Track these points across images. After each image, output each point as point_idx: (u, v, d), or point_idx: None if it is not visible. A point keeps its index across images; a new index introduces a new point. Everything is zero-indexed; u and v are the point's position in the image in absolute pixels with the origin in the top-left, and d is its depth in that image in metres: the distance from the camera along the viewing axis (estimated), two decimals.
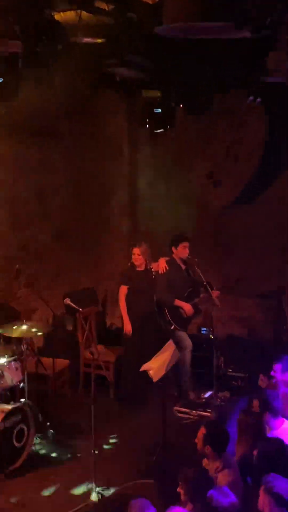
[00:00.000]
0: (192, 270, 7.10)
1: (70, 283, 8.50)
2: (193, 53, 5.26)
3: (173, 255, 6.99)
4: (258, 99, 6.29)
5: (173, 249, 6.95)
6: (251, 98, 6.01)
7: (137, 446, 6.06)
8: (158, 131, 7.62)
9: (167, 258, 7.02)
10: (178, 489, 3.86)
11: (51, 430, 6.15)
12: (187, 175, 8.30)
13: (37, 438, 5.95)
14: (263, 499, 3.51)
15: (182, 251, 6.91)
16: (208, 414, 6.58)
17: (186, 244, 6.91)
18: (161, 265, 6.96)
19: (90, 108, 8.27)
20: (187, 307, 6.86)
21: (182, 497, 3.82)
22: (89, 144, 8.53)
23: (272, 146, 7.68)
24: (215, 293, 6.79)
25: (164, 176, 8.57)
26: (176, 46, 4.97)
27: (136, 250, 6.85)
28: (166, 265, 6.96)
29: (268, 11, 3.33)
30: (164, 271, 6.92)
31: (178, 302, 6.86)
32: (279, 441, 4.20)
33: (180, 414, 6.74)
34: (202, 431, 4.32)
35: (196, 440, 4.35)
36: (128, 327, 6.84)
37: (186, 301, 6.91)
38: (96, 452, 5.26)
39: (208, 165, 8.19)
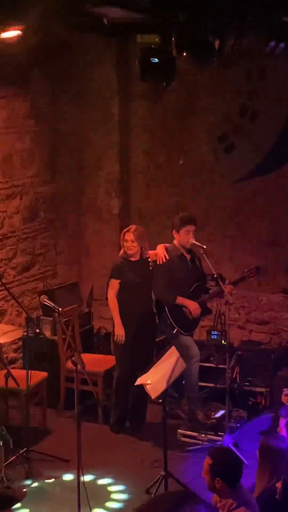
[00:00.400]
0: (199, 260, 7.12)
1: (47, 278, 8.54)
2: None
3: (175, 242, 7.02)
4: (282, 44, 6.30)
5: (175, 233, 6.98)
6: (272, 43, 6.03)
7: (133, 479, 6.10)
8: (156, 85, 7.61)
9: (167, 245, 7.03)
10: None
11: (25, 462, 6.20)
12: (192, 140, 8.29)
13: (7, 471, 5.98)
14: None
15: (184, 237, 6.90)
16: (220, 438, 6.60)
17: (190, 228, 6.89)
18: (159, 253, 6.96)
19: (69, 56, 8.26)
20: (193, 306, 6.89)
21: None
22: (68, 101, 8.54)
23: None
24: (228, 288, 6.77)
25: (164, 142, 8.55)
26: None
27: (129, 236, 6.85)
28: (166, 253, 6.96)
29: None
30: (164, 261, 6.94)
31: (181, 300, 6.89)
32: None
33: (185, 439, 6.78)
34: (208, 460, 4.28)
35: (203, 474, 4.34)
36: (120, 332, 6.84)
37: (192, 299, 6.94)
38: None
39: (219, 127, 8.15)
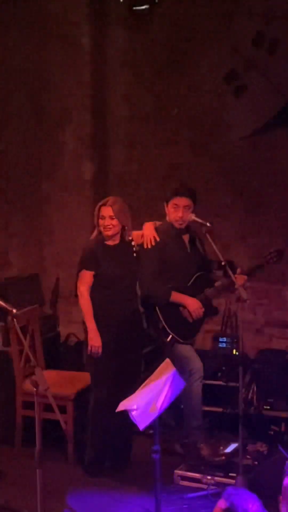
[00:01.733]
0: (202, 242, 7.18)
1: None
2: None
3: (167, 218, 7.05)
4: None
5: (165, 206, 7.03)
6: None
7: None
8: (139, 7, 7.64)
9: (157, 223, 7.09)
10: None
11: None
12: (190, 81, 8.31)
13: None
14: None
15: (172, 213, 6.98)
16: (232, 481, 6.60)
17: (179, 201, 6.93)
18: (147, 234, 7.01)
19: None
20: (193, 305, 6.93)
21: None
22: (22, 29, 8.61)
23: None
24: (240, 279, 6.81)
25: (151, 84, 8.60)
26: None
27: (105, 211, 6.80)
28: (156, 234, 7.01)
29: None
30: (153, 244, 6.97)
31: (177, 297, 6.93)
32: None
33: (185, 483, 6.78)
34: (222, 505, 4.37)
35: None
36: (95, 341, 6.82)
37: (192, 294, 6.99)
38: None
39: (226, 61, 8.18)
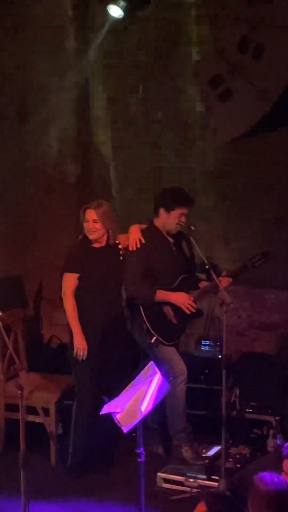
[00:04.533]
0: (187, 245, 7.20)
1: None
2: None
3: (156, 222, 7.05)
4: None
5: (163, 213, 6.99)
6: None
7: None
8: (125, 10, 7.68)
9: (143, 226, 7.09)
10: None
11: None
12: (175, 84, 8.33)
13: None
14: None
15: (174, 220, 6.97)
16: (215, 483, 6.61)
17: (185, 210, 6.96)
18: (132, 237, 7.01)
19: None
20: (179, 298, 6.94)
21: None
22: (5, 31, 8.60)
23: None
24: (224, 282, 6.84)
25: (136, 86, 8.60)
26: None
27: (90, 214, 6.85)
28: (141, 237, 7.00)
29: None
30: (139, 246, 6.97)
31: (163, 295, 6.94)
32: None
33: (168, 485, 6.81)
34: (201, 508, 4.47)
35: None
36: (80, 343, 6.85)
37: None
38: None
39: (211, 66, 8.05)
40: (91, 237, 6.85)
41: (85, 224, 6.85)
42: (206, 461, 6.94)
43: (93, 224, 6.81)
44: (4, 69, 8.53)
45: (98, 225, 6.81)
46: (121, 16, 7.74)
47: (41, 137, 8.67)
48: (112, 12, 7.55)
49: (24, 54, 8.52)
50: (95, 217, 6.80)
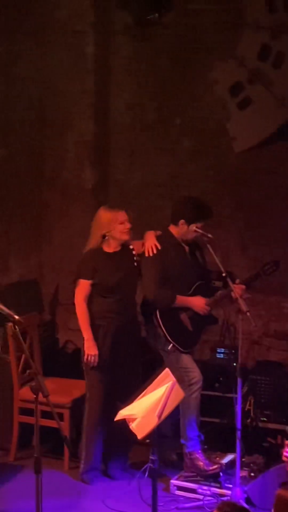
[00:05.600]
0: (202, 253, 7.18)
1: None
2: None
3: (173, 230, 7.04)
4: None
5: (183, 223, 6.96)
6: None
7: None
8: (147, 17, 7.60)
9: (157, 233, 7.06)
10: None
11: None
12: (194, 91, 8.32)
13: None
14: None
15: (194, 233, 6.96)
16: (228, 491, 6.62)
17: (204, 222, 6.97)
18: (148, 243, 7.00)
19: None
20: (198, 303, 6.95)
21: None
22: (26, 36, 8.58)
23: None
24: (239, 289, 6.81)
25: (155, 93, 8.59)
26: None
27: (124, 215, 6.85)
28: (156, 242, 6.98)
29: None
30: (155, 252, 6.95)
31: (182, 300, 6.93)
32: None
33: (181, 493, 6.80)
34: None
35: None
36: (91, 350, 6.85)
37: None
38: None
39: (231, 73, 8.13)
40: (126, 237, 6.87)
41: (120, 226, 6.82)
42: (219, 469, 6.89)
43: (128, 225, 6.83)
44: (24, 73, 8.55)
45: (130, 226, 6.86)
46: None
47: (59, 143, 8.69)
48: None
49: (44, 59, 8.53)
50: (127, 218, 6.84)
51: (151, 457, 5.80)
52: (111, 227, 6.82)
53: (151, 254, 6.93)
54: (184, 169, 8.46)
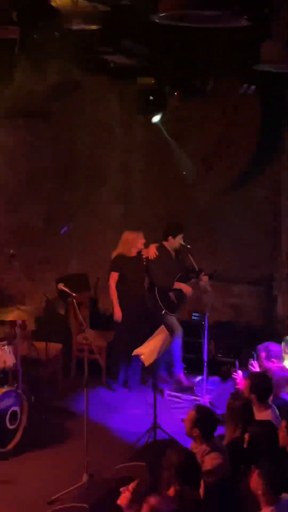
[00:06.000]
0: (182, 256, 7.12)
1: (61, 269, 8.48)
2: (188, 39, 5.28)
3: (165, 243, 7.01)
4: (252, 86, 6.30)
5: (170, 238, 6.97)
6: (245, 87, 6.04)
7: (129, 430, 6.11)
8: (152, 116, 7.54)
9: (156, 245, 7.02)
10: (163, 473, 3.84)
11: (43, 414, 6.21)
12: (180, 160, 8.23)
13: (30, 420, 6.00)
14: (257, 482, 3.56)
15: (177, 241, 6.96)
16: (199, 398, 6.62)
17: (182, 236, 6.97)
18: (151, 251, 6.98)
19: (82, 92, 8.24)
20: (186, 288, 6.92)
21: (168, 477, 3.78)
22: (81, 128, 8.48)
23: (266, 132, 7.64)
24: (204, 278, 6.83)
25: (158, 162, 8.48)
26: (171, 33, 5.00)
27: (140, 236, 6.87)
28: (156, 251, 6.97)
29: (265, 2, 3.37)
30: (155, 256, 6.94)
31: (177, 285, 6.92)
32: (271, 424, 4.28)
33: (172, 398, 6.81)
34: (191, 414, 4.34)
35: (184, 422, 4.38)
36: (118, 314, 6.84)
37: None
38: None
39: (201, 150, 8.10)
40: (141, 247, 6.87)
41: (138, 241, 6.85)
42: (195, 384, 6.94)
43: (143, 241, 6.88)
44: (80, 149, 8.44)
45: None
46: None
47: (100, 190, 8.55)
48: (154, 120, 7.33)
49: (92, 141, 8.44)
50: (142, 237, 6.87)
51: (153, 377, 5.90)
52: (133, 243, 6.84)
53: (152, 258, 6.93)
54: (174, 206, 8.27)
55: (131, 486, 3.60)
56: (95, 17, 4.59)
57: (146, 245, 7.00)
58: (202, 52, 5.53)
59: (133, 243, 6.84)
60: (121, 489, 3.64)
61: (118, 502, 3.62)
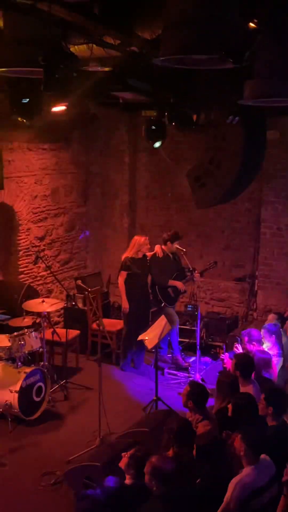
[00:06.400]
0: (178, 258, 7.09)
1: (79, 268, 8.51)
2: (184, 78, 5.28)
3: (164, 247, 6.96)
4: (237, 118, 6.29)
5: (169, 244, 6.92)
6: (231, 118, 6.03)
7: (135, 401, 6.12)
8: (154, 143, 7.56)
9: (160, 246, 6.98)
10: (163, 437, 3.86)
11: (64, 390, 6.20)
12: (177, 179, 8.22)
13: (53, 395, 6.01)
14: (239, 445, 3.56)
15: (175, 246, 6.91)
16: (192, 375, 6.61)
17: (178, 242, 6.93)
18: (157, 249, 6.93)
19: (97, 123, 8.27)
20: (180, 285, 6.87)
21: (167, 440, 3.81)
22: (96, 152, 8.51)
23: (247, 156, 7.62)
24: (197, 276, 6.81)
25: (159, 180, 8.49)
26: (170, 73, 5.00)
27: (146, 240, 6.80)
28: (160, 251, 6.93)
29: (246, 47, 3.37)
30: (161, 256, 6.89)
31: (171, 282, 6.85)
32: (252, 397, 4.27)
33: (170, 375, 6.79)
34: (187, 388, 4.34)
35: (181, 395, 4.38)
36: (125, 306, 6.79)
37: None
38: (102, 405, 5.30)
39: (195, 171, 7.76)
40: (146, 251, 6.78)
41: (144, 246, 6.75)
42: (189, 364, 6.91)
43: (148, 246, 6.79)
44: (95, 171, 8.44)
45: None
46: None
47: (111, 205, 8.59)
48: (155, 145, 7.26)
49: (105, 164, 8.46)
50: (148, 241, 6.80)
51: (155, 358, 5.88)
52: (141, 246, 6.77)
53: (160, 256, 6.84)
54: (172, 218, 8.32)
55: (129, 452, 3.61)
56: (107, 61, 4.61)
57: (150, 249, 6.95)
58: (195, 89, 5.52)
59: (140, 247, 6.77)
60: (122, 454, 3.65)
61: (120, 464, 3.63)
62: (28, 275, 7.39)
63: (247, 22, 3.33)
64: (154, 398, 5.76)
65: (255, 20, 3.32)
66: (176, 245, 6.91)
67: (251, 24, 3.33)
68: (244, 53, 3.26)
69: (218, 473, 3.68)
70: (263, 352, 5.42)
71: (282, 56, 3.39)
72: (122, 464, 3.61)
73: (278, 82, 3.40)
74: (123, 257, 6.90)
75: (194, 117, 6.16)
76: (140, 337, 5.79)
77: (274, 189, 7.62)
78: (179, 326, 7.12)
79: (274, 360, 5.41)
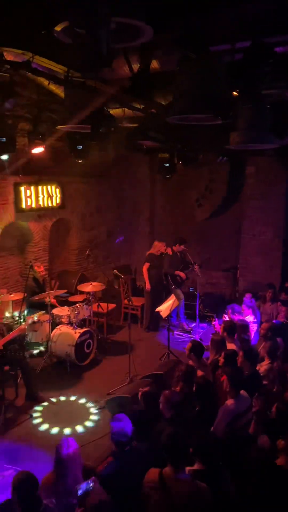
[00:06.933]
0: (183, 255, 7.00)
1: (115, 262, 8.46)
2: (187, 130, 5.26)
3: (174, 247, 6.87)
4: (225, 158, 6.24)
5: (178, 245, 6.82)
6: (220, 158, 5.98)
7: (153, 353, 6.06)
8: (167, 176, 7.57)
9: (169, 249, 6.90)
10: (173, 378, 3.86)
11: (106, 341, 6.19)
12: (183, 200, 8.17)
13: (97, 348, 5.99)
14: (226, 383, 3.55)
15: (181, 247, 6.82)
16: (193, 336, 6.54)
17: (184, 244, 6.84)
18: (168, 250, 6.86)
19: (128, 162, 8.25)
20: (182, 274, 6.80)
21: (176, 380, 3.81)
22: (127, 183, 8.45)
23: (232, 184, 7.58)
24: (196, 268, 6.72)
25: (170, 201, 8.42)
26: (178, 128, 4.98)
27: (163, 244, 6.75)
28: (169, 252, 6.88)
29: (231, 108, 3.34)
30: (171, 254, 6.82)
31: (177, 272, 6.79)
32: (235, 351, 4.25)
33: (178, 335, 6.73)
34: (189, 345, 4.31)
35: (185, 349, 4.36)
36: (148, 287, 6.75)
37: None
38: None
39: (195, 195, 8.03)
40: (163, 251, 6.66)
41: (162, 247, 6.65)
42: (191, 328, 6.80)
43: (164, 248, 6.71)
44: (127, 196, 8.27)
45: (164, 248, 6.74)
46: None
47: (138, 219, 8.47)
48: (167, 177, 6.65)
49: (134, 190, 8.30)
50: (165, 244, 6.72)
51: (167, 323, 5.81)
52: (160, 247, 6.70)
53: (166, 256, 6.78)
54: (179, 227, 8.15)
55: (144, 389, 3.62)
56: (135, 119, 4.62)
57: (165, 250, 6.87)
58: (196, 138, 5.49)
59: (159, 247, 6.73)
60: (139, 389, 3.66)
61: (139, 396, 3.63)
62: (81, 266, 7.41)
63: (232, 91, 3.31)
64: (167, 351, 5.74)
65: (237, 90, 3.29)
66: (182, 246, 6.84)
67: (234, 93, 3.31)
68: (229, 113, 3.24)
69: (210, 403, 3.67)
70: (243, 320, 5.35)
71: (256, 115, 3.37)
72: (140, 397, 3.61)
73: (254, 133, 3.39)
74: (147, 253, 6.84)
75: (195, 157, 6.10)
76: (157, 310, 5.77)
77: (251, 207, 7.52)
78: (184, 302, 7.05)
79: (251, 326, 5.35)
